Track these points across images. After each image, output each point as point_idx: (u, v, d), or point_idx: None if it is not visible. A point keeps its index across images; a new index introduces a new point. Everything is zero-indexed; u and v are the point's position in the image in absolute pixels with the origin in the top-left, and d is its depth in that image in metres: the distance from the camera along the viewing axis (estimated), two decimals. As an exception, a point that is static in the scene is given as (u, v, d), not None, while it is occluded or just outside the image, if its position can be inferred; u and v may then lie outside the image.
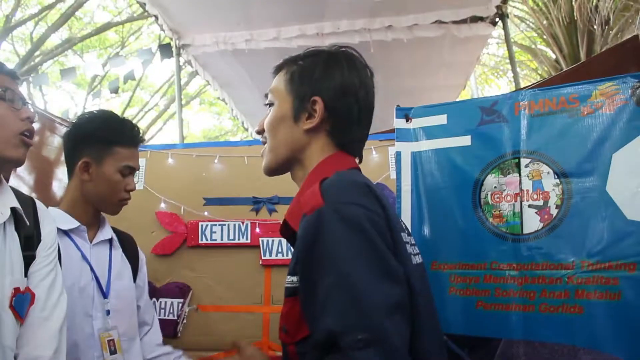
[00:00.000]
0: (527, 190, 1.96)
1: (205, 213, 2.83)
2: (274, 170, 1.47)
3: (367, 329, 1.02)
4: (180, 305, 2.78)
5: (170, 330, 2.75)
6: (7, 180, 1.61)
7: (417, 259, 1.34)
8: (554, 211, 1.91)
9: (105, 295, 2.03)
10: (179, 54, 5.92)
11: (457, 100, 4.56)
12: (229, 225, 2.82)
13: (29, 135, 1.54)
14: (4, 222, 1.53)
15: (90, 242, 2.07)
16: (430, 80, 6.64)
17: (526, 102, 2.01)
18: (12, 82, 1.54)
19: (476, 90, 8.96)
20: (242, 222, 2.81)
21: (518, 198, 1.97)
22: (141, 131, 2.15)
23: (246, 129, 9.08)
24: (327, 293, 1.08)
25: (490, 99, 2.12)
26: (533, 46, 11.46)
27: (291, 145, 1.40)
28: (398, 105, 2.26)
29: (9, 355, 1.47)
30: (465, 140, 2.10)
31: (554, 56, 9.73)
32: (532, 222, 1.94)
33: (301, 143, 1.39)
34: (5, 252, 1.51)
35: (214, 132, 19.57)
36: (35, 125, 3.18)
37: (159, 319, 2.68)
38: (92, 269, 2.01)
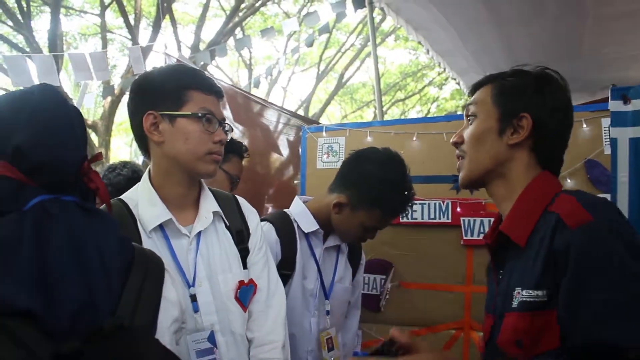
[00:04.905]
0: None
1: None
2: (472, 182, 1.48)
3: None
4: (383, 281, 2.87)
5: (373, 305, 2.87)
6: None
7: None
8: None
9: (327, 296, 2.17)
10: (371, 3, 5.90)
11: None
12: (429, 204, 2.81)
13: (218, 154, 1.67)
14: (215, 224, 1.72)
15: (323, 245, 2.21)
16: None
17: None
18: (215, 101, 1.68)
19: None
20: (443, 202, 2.78)
21: None
22: (411, 201, 2.15)
23: (443, 69, 8.84)
24: (611, 306, 1.09)
25: None
26: None
27: (494, 158, 1.41)
28: (614, 85, 2.03)
29: (239, 341, 1.68)
30: (698, 127, 1.83)
31: None
32: None
33: (503, 157, 1.40)
34: (222, 250, 1.71)
35: (410, 68, 19.35)
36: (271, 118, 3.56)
37: (363, 293, 2.82)
38: (319, 270, 2.16)
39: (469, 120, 1.46)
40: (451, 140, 1.50)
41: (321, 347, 2.12)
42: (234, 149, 2.78)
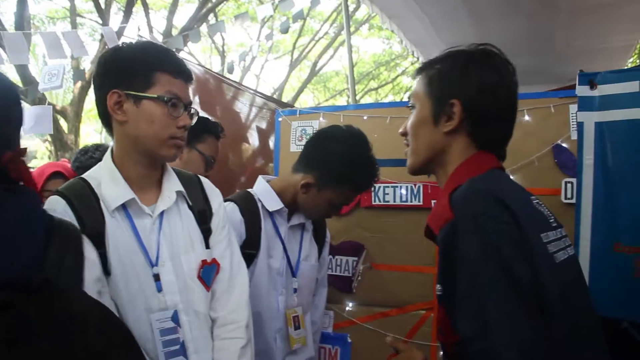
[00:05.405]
0: None
1: (378, 175, 2.88)
2: (417, 172, 1.51)
3: (487, 340, 1.08)
4: (355, 262, 2.91)
5: (345, 286, 2.92)
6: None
7: (564, 254, 1.30)
8: None
9: (294, 274, 2.20)
10: (346, -11, 5.93)
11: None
12: (401, 187, 2.85)
13: (181, 139, 1.67)
14: (178, 204, 1.72)
15: (288, 223, 2.22)
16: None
17: None
18: (183, 85, 1.66)
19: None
20: (414, 185, 2.83)
21: None
22: (377, 176, 2.20)
23: (417, 59, 8.91)
24: (460, 302, 1.16)
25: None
26: None
27: (432, 148, 1.42)
28: (581, 71, 2.09)
29: (202, 320, 1.69)
30: (661, 112, 1.90)
31: None
32: None
33: (441, 145, 1.40)
34: (184, 230, 1.71)
35: (383, 57, 19.44)
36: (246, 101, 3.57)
37: (335, 275, 2.87)
38: (285, 249, 2.18)
39: (411, 110, 1.48)
40: (399, 132, 1.53)
41: (287, 325, 2.14)
42: (209, 128, 2.73)
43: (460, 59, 1.40)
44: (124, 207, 1.62)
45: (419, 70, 1.49)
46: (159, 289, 1.61)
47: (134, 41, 1.76)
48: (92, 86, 1.73)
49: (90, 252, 1.28)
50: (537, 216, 1.29)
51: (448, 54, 1.44)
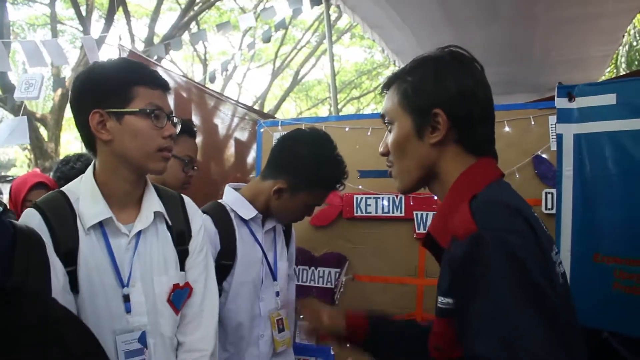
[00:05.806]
0: None
1: (360, 186, 2.88)
2: (409, 191, 1.45)
3: None
4: (337, 274, 2.91)
5: (328, 298, 2.91)
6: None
7: (559, 271, 1.27)
8: None
9: (275, 277, 2.20)
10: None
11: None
12: (383, 198, 2.86)
13: (168, 150, 1.65)
14: (156, 224, 1.70)
15: (263, 229, 2.22)
16: (600, 5, 5.82)
17: None
18: (162, 95, 1.65)
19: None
20: (396, 196, 2.83)
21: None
22: (346, 173, 2.19)
23: (398, 68, 8.93)
24: (481, 321, 1.08)
25: (668, 78, 1.91)
26: None
27: (422, 163, 1.35)
28: (560, 83, 2.12)
29: (168, 343, 1.68)
30: (638, 124, 1.93)
31: None
32: None
33: (431, 158, 1.34)
34: (160, 251, 1.69)
35: (365, 66, 19.54)
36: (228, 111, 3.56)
37: (318, 287, 2.86)
38: (264, 254, 2.18)
39: (388, 128, 1.41)
40: (379, 151, 1.46)
41: (272, 329, 2.15)
42: (180, 128, 2.60)
43: (432, 66, 1.34)
44: (100, 225, 1.60)
45: (388, 85, 1.42)
46: (128, 310, 1.59)
47: (116, 51, 1.74)
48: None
49: (53, 258, 1.32)
50: (546, 235, 1.24)
51: (416, 64, 1.37)
